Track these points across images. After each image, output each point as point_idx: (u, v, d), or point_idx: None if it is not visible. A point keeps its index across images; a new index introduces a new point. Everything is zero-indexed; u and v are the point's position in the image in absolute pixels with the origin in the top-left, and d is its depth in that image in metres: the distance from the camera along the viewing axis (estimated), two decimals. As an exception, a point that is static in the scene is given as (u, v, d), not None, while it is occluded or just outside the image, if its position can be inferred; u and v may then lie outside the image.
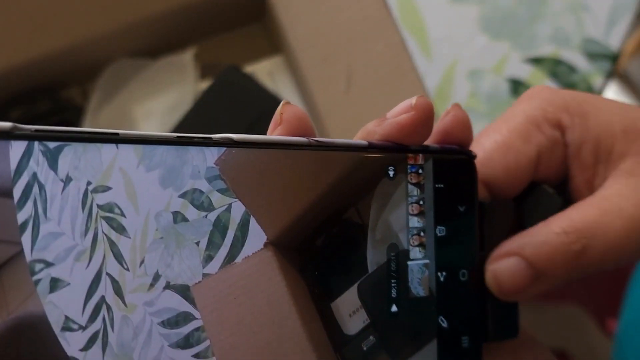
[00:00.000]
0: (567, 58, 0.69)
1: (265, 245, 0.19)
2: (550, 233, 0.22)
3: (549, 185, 0.25)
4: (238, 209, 0.19)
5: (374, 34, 0.49)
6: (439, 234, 0.22)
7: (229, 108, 0.51)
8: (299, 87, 0.55)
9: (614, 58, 0.68)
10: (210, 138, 0.18)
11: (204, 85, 0.55)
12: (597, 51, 0.69)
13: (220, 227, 0.19)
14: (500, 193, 0.25)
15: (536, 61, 0.68)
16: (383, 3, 0.49)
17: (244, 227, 0.19)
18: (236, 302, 0.19)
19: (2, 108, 0.59)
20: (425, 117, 0.21)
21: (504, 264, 0.22)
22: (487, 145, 0.24)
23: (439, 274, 0.22)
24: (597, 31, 0.69)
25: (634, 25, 0.71)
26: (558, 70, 0.68)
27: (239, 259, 0.19)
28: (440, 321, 0.22)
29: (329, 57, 0.49)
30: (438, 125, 0.23)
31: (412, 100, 0.21)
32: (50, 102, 0.57)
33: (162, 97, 0.58)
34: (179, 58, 0.57)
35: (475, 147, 0.24)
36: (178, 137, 0.18)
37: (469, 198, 0.23)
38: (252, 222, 0.19)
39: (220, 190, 0.19)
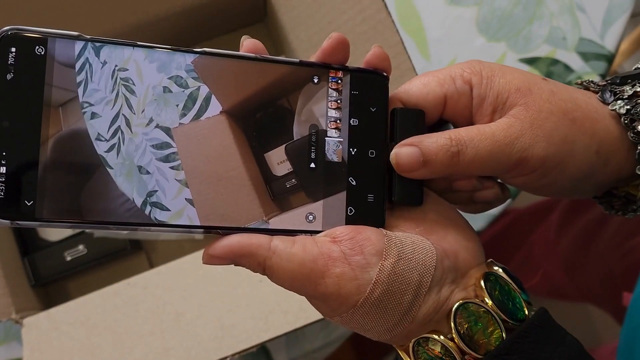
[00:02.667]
0: (563, 58, 0.70)
1: (221, 112, 0.32)
2: (441, 137, 0.33)
3: (450, 123, 0.36)
4: (204, 90, 0.32)
5: (373, 35, 0.52)
6: (352, 124, 0.34)
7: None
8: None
9: (610, 58, 0.69)
10: (191, 49, 0.32)
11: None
12: (593, 51, 0.70)
13: (192, 98, 0.32)
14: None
15: (532, 61, 0.70)
16: (382, 5, 0.52)
17: (207, 99, 0.32)
18: (198, 142, 0.31)
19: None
20: (337, 44, 0.33)
21: (405, 149, 0.33)
22: (413, 81, 0.35)
23: (351, 149, 0.33)
24: (592, 32, 0.70)
25: (629, 25, 0.72)
26: (554, 69, 0.70)
27: (202, 118, 0.32)
28: (349, 180, 0.33)
29: (330, 57, 0.54)
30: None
31: (332, 34, 0.33)
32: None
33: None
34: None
35: (406, 82, 0.36)
36: (171, 47, 0.32)
37: (379, 103, 0.34)
38: (213, 98, 0.32)
39: (194, 78, 0.32)
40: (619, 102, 0.34)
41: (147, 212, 0.30)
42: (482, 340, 0.31)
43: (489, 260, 0.34)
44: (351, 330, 0.33)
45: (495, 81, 0.34)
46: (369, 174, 0.33)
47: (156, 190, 0.30)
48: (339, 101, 0.33)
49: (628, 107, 0.34)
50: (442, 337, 0.31)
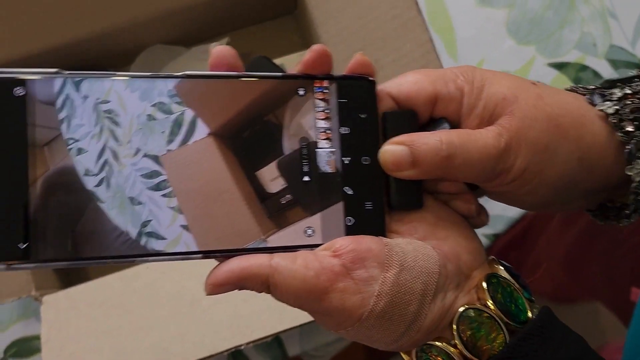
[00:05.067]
0: (593, 64, 0.69)
1: (208, 134, 0.32)
2: (432, 139, 0.33)
3: (445, 120, 0.36)
4: (189, 114, 0.32)
5: (403, 32, 0.52)
6: (343, 132, 0.34)
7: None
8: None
9: (640, 66, 0.69)
10: (171, 74, 0.33)
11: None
12: (623, 59, 0.69)
13: (177, 123, 0.32)
14: (404, 106, 0.35)
15: (561, 66, 0.70)
16: (413, 2, 0.53)
17: (193, 123, 0.32)
18: (188, 167, 0.31)
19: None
20: (318, 56, 0.33)
21: (394, 147, 0.33)
22: (405, 76, 0.35)
23: (344, 158, 0.33)
24: (624, 39, 0.70)
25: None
26: (582, 76, 0.69)
27: (190, 142, 0.32)
28: (345, 190, 0.33)
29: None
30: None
31: (313, 47, 0.33)
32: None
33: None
34: (211, 47, 0.59)
35: (397, 77, 0.35)
36: (151, 74, 0.32)
37: (368, 108, 0.34)
38: (199, 121, 0.32)
39: (177, 103, 0.32)
40: (607, 103, 0.34)
41: (142, 243, 0.30)
42: (485, 347, 0.31)
43: (491, 257, 0.34)
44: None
45: (485, 90, 0.34)
46: (365, 181, 0.33)
47: (150, 220, 0.30)
48: (327, 111, 0.34)
49: (617, 107, 0.34)
50: (444, 344, 0.31)
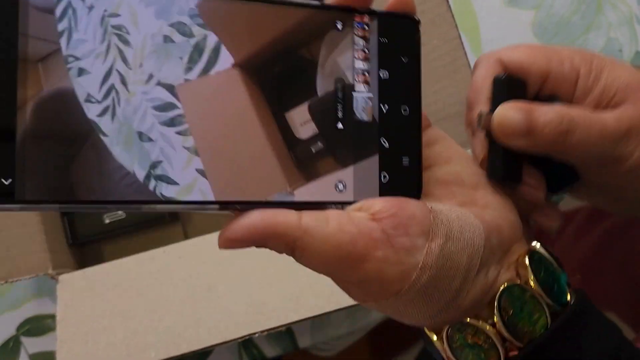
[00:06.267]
0: None
1: (233, 65, 0.28)
2: (551, 111, 0.30)
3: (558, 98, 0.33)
4: (212, 39, 0.28)
5: (431, 28, 0.52)
6: (382, 77, 0.30)
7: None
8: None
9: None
10: None
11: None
12: None
13: (198, 49, 0.27)
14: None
15: None
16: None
17: (216, 50, 0.28)
18: (208, 102, 0.27)
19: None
20: None
21: (511, 112, 0.31)
22: (518, 47, 0.33)
23: (382, 105, 0.30)
24: None
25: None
26: None
27: (211, 73, 0.27)
28: (382, 141, 0.29)
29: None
30: None
31: None
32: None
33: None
34: None
35: (509, 46, 0.34)
36: (168, -12, 0.27)
37: (411, 52, 0.31)
38: (223, 48, 0.28)
39: (199, 25, 0.27)
40: None
41: (151, 187, 0.26)
42: (527, 329, 0.29)
43: (528, 236, 0.32)
44: (385, 315, 0.30)
45: (604, 75, 0.33)
46: (403, 134, 0.30)
47: (161, 161, 0.26)
48: (366, 50, 0.30)
49: None
50: (483, 322, 0.29)
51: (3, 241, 0.55)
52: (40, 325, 0.65)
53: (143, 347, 0.50)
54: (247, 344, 0.62)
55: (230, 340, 0.49)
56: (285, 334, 0.62)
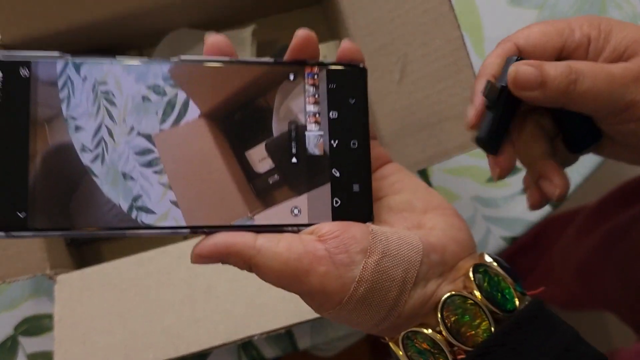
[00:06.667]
0: None
1: (200, 116, 0.34)
2: (560, 64, 0.35)
3: None
4: (182, 95, 0.34)
5: (434, 27, 0.52)
6: (331, 116, 0.35)
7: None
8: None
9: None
10: (167, 58, 0.34)
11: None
12: None
13: (170, 104, 0.34)
14: (530, 56, 0.37)
15: None
16: None
17: (185, 104, 0.34)
18: (179, 146, 0.33)
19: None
20: (304, 41, 0.34)
21: (525, 67, 0.35)
22: (532, 28, 0.37)
23: (332, 141, 0.35)
24: None
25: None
26: None
27: (182, 123, 0.34)
28: (333, 172, 0.34)
29: (386, 46, 0.51)
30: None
31: (297, 32, 0.34)
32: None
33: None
34: (238, 33, 0.61)
35: (523, 28, 0.38)
36: (147, 60, 0.34)
37: (358, 94, 0.35)
38: (191, 102, 0.34)
39: (171, 85, 0.34)
40: None
41: (133, 216, 0.32)
42: (469, 333, 0.31)
43: (481, 252, 0.35)
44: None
45: (613, 35, 0.36)
46: (353, 164, 0.35)
47: (141, 195, 0.32)
48: (316, 96, 0.35)
49: None
50: (430, 330, 0.32)
51: (0, 241, 0.54)
52: (38, 325, 0.66)
53: (141, 348, 0.50)
54: (246, 345, 0.63)
55: (230, 342, 0.50)
56: (285, 335, 0.63)
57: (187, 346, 0.50)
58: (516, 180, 0.71)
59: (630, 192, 0.80)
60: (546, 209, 0.71)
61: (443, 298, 0.32)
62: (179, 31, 0.63)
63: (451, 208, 0.36)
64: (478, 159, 0.72)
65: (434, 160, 0.52)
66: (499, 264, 0.34)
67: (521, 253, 0.96)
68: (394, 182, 0.36)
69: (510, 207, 0.70)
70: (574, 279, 0.88)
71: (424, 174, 0.73)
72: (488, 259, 0.34)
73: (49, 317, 0.65)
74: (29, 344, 0.66)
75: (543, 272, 0.94)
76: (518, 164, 0.40)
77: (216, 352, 0.61)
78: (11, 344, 0.66)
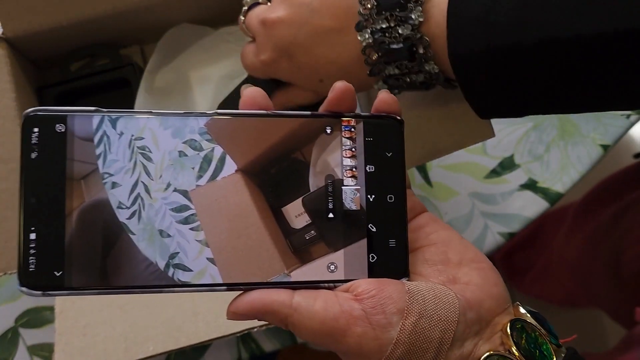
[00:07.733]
0: None
1: (236, 171, 0.34)
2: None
3: None
4: (218, 150, 0.34)
5: None
6: (368, 170, 0.35)
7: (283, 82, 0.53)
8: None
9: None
10: (204, 112, 0.34)
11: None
12: None
13: (207, 159, 0.34)
14: None
15: None
16: None
17: (222, 160, 0.34)
18: (216, 202, 0.33)
19: (63, 59, 0.63)
20: (341, 94, 0.34)
21: None
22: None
23: (369, 196, 0.35)
24: None
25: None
26: None
27: (218, 178, 0.34)
28: (370, 227, 0.34)
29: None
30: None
31: (335, 85, 0.35)
32: (109, 58, 0.64)
33: (219, 65, 0.62)
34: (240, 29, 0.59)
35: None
36: (184, 113, 0.34)
37: (395, 147, 0.35)
38: (227, 157, 0.34)
39: (207, 140, 0.34)
40: None
41: (170, 274, 0.32)
42: None
43: (516, 303, 0.35)
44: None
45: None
46: (389, 219, 0.34)
47: (178, 252, 0.32)
48: (353, 149, 0.35)
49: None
50: None
51: (2, 233, 0.53)
52: (38, 317, 0.66)
53: (141, 340, 0.51)
54: (245, 338, 0.63)
55: (229, 335, 0.50)
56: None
57: (187, 338, 0.50)
58: (514, 177, 0.73)
59: (605, 192, 0.83)
60: (544, 206, 0.72)
61: (482, 358, 0.31)
62: (180, 26, 0.63)
63: (486, 261, 0.35)
64: (476, 156, 0.73)
65: (432, 157, 0.52)
66: (534, 316, 0.34)
67: (519, 249, 0.97)
68: (430, 234, 0.36)
69: (508, 203, 0.72)
70: (569, 277, 0.89)
71: (422, 170, 0.74)
72: (522, 310, 0.34)
73: (50, 309, 0.65)
74: (30, 336, 0.66)
75: (541, 270, 0.95)
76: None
77: (216, 345, 0.61)
78: (12, 335, 0.66)
